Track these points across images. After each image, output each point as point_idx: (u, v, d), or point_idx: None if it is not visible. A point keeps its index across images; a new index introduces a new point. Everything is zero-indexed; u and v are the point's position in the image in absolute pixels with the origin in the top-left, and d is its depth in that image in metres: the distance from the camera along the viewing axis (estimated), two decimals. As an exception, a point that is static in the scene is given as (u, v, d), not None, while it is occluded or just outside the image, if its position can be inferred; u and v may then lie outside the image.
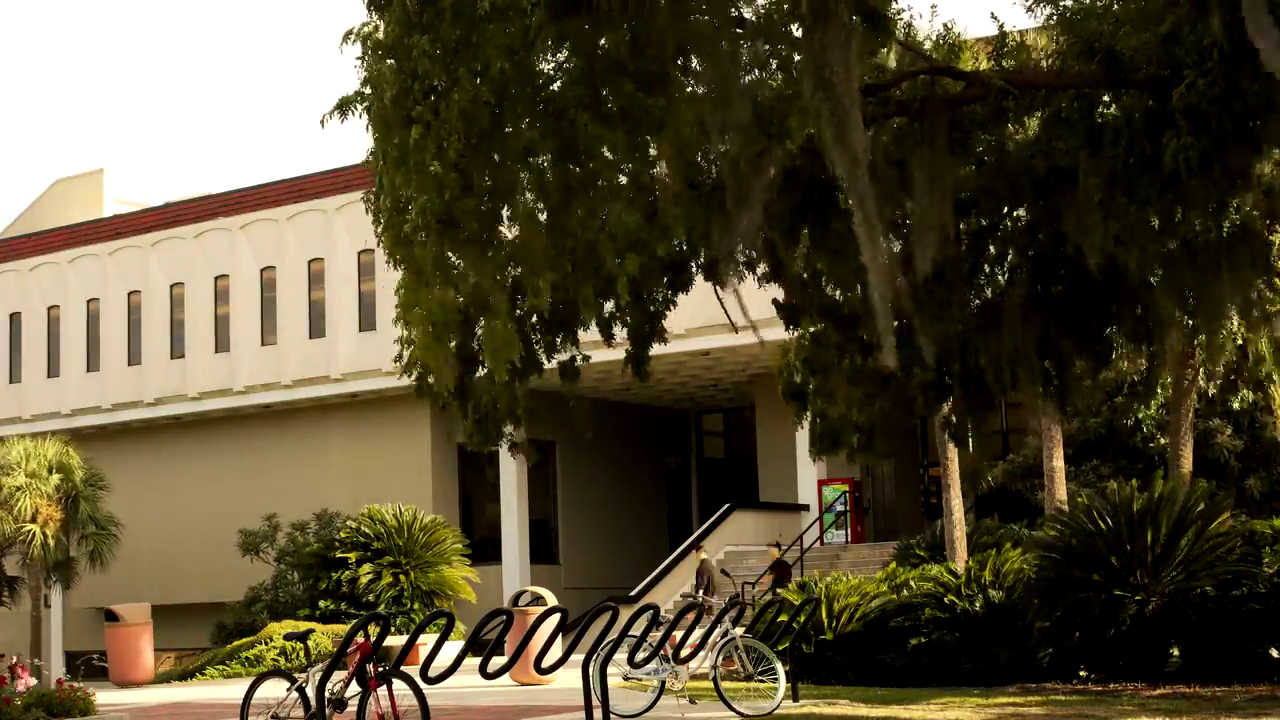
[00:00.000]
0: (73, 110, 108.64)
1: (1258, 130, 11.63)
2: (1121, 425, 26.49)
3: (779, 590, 23.75)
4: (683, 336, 31.39)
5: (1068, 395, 15.46)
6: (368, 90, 12.15)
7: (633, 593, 31.11)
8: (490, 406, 14.59)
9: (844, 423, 16.17)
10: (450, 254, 12.44)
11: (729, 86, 11.96)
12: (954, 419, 15.99)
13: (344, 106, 12.33)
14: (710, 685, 16.01)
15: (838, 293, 14.85)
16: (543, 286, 12.49)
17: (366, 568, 31.05)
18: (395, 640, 18.35)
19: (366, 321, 38.08)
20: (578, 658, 14.84)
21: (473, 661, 13.19)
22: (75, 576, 36.58)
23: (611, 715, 14.31)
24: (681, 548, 33.75)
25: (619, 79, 11.70)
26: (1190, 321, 14.99)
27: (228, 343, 40.68)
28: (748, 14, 12.35)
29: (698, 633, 15.92)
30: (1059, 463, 23.56)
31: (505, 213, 12.53)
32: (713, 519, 34.61)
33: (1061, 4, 12.88)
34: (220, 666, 27.66)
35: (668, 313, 15.16)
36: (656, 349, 15.33)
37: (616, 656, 14.85)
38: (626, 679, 16.01)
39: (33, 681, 18.81)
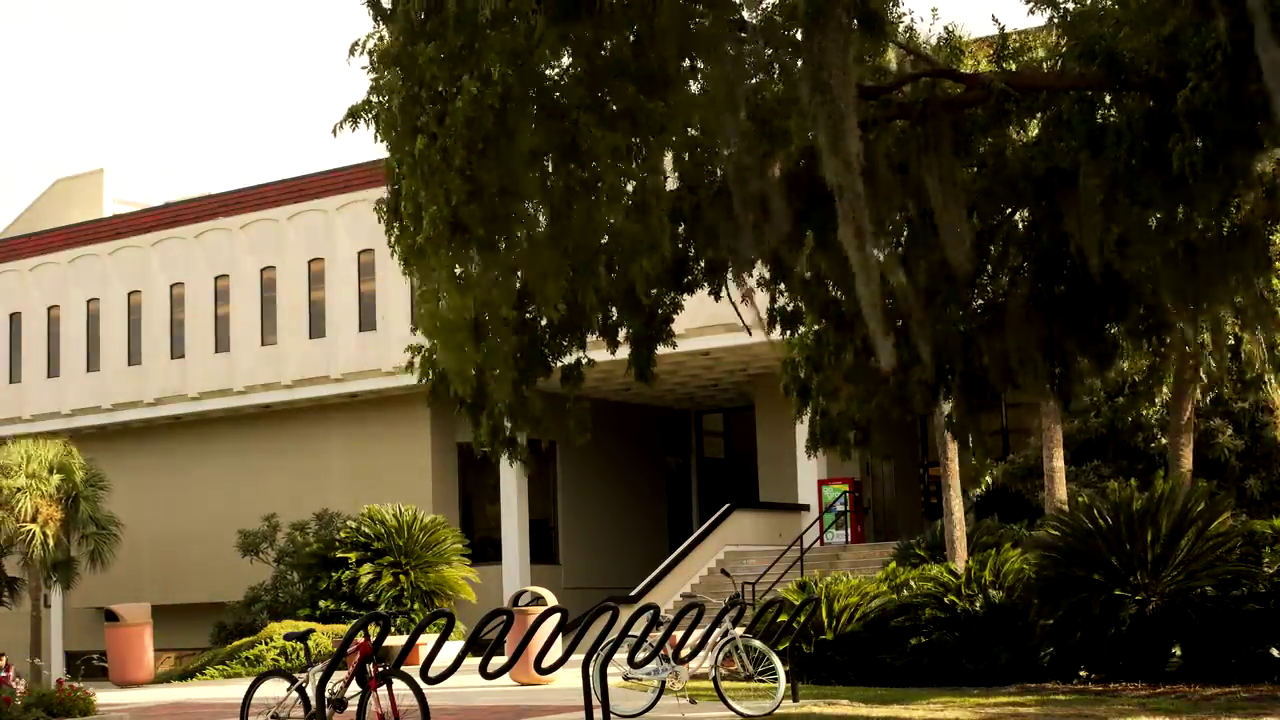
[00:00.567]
0: (73, 110, 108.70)
1: (1261, 131, 11.63)
2: (1122, 425, 26.49)
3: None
4: (683, 336, 31.31)
5: (1071, 394, 15.48)
6: (374, 99, 12.17)
7: (633, 593, 31.12)
8: (503, 414, 14.61)
9: (843, 419, 16.19)
10: (459, 262, 12.47)
11: (732, 90, 11.97)
12: (955, 418, 16.00)
13: (355, 115, 12.37)
14: (710, 685, 16.01)
15: (839, 293, 14.86)
16: (552, 294, 12.52)
17: (366, 568, 31.05)
18: (395, 640, 18.38)
19: (366, 321, 38.09)
20: (578, 658, 14.85)
21: (473, 661, 13.19)
22: (75, 576, 36.57)
23: (611, 715, 14.31)
24: (681, 548, 33.77)
25: (620, 81, 11.72)
26: (1191, 321, 15.01)
27: (228, 343, 40.68)
28: (749, 17, 12.35)
29: (698, 633, 15.92)
30: (1059, 463, 23.57)
31: (513, 216, 12.54)
32: (713, 519, 34.61)
33: (1062, 6, 12.88)
34: (220, 666, 27.65)
35: (675, 316, 15.18)
36: (664, 350, 15.36)
37: (616, 656, 14.85)
38: (626, 679, 16.01)
39: (19, 682, 18.79)
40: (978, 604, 19.40)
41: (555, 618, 14.16)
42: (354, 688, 12.56)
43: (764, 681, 16.03)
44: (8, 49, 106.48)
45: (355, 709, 12.43)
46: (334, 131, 12.43)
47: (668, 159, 13.54)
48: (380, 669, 12.31)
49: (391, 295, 37.33)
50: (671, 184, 13.60)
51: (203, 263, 41.30)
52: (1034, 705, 16.00)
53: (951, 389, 15.38)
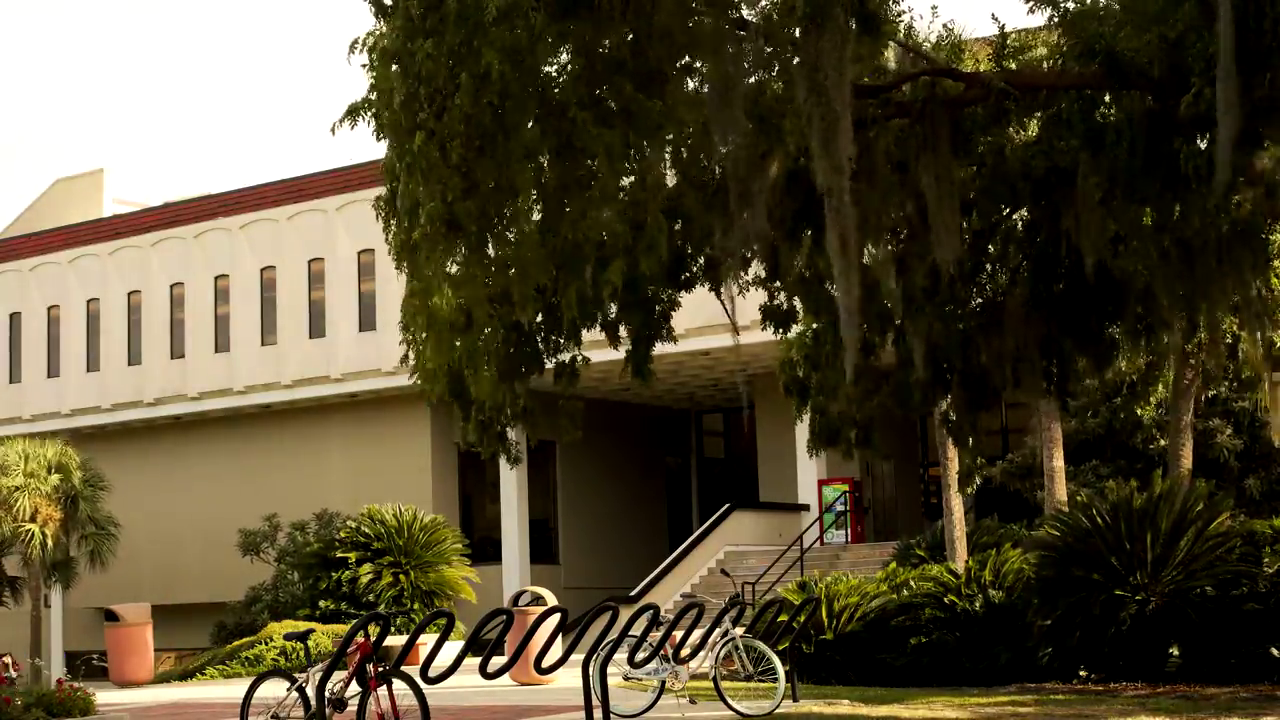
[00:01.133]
0: (73, 110, 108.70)
1: (1264, 131, 11.65)
2: (1121, 425, 26.49)
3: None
4: (683, 336, 31.30)
5: (1070, 393, 15.48)
6: (374, 97, 12.18)
7: (633, 593, 31.12)
8: (492, 411, 14.60)
9: (843, 418, 16.18)
10: (452, 259, 12.47)
11: (730, 88, 11.97)
12: (954, 417, 16.00)
13: (354, 113, 12.37)
14: (710, 685, 16.01)
15: (836, 292, 14.86)
16: (524, 295, 12.52)
17: (366, 568, 31.05)
18: (395, 640, 18.36)
19: (366, 321, 38.09)
20: (578, 658, 14.84)
21: (473, 661, 13.19)
22: (75, 576, 36.58)
23: (611, 715, 14.31)
24: (681, 548, 33.78)
25: (619, 79, 11.72)
26: (1189, 321, 15.01)
27: (228, 343, 40.68)
28: (749, 16, 12.36)
29: (698, 633, 15.92)
30: (1059, 462, 23.57)
31: (507, 213, 12.54)
32: (713, 519, 34.61)
33: (1062, 5, 12.89)
34: (220, 666, 27.65)
35: (672, 314, 15.17)
36: (656, 349, 15.34)
37: (616, 656, 14.85)
38: (626, 679, 16.01)
39: (18, 670, 18.81)
40: (977, 604, 19.40)
41: (555, 618, 14.16)
42: (354, 688, 12.56)
43: (764, 681, 16.03)
44: (8, 49, 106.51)
45: (355, 709, 12.43)
46: (333, 130, 12.45)
47: (667, 155, 13.54)
48: (380, 669, 12.31)
49: (391, 295, 37.30)
50: (669, 181, 13.60)
51: (202, 263, 41.31)
52: (1034, 705, 16.00)
53: (950, 388, 15.38)
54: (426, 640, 15.63)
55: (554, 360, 15.02)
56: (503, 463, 36.46)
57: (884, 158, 13.01)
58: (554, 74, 12.15)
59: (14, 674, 18.00)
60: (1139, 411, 25.92)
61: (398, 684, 12.25)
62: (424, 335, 13.06)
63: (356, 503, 33.98)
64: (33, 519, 34.56)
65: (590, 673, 14.25)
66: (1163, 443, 25.35)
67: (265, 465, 40.21)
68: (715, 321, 27.88)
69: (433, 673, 12.36)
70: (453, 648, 13.32)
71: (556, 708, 17.00)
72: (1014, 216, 14.58)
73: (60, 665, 40.35)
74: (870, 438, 16.29)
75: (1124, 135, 12.16)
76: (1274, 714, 14.44)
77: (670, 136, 12.51)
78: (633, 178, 12.38)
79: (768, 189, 12.49)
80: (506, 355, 14.25)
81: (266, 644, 27.62)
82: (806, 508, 34.39)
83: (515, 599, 22.54)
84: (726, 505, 34.98)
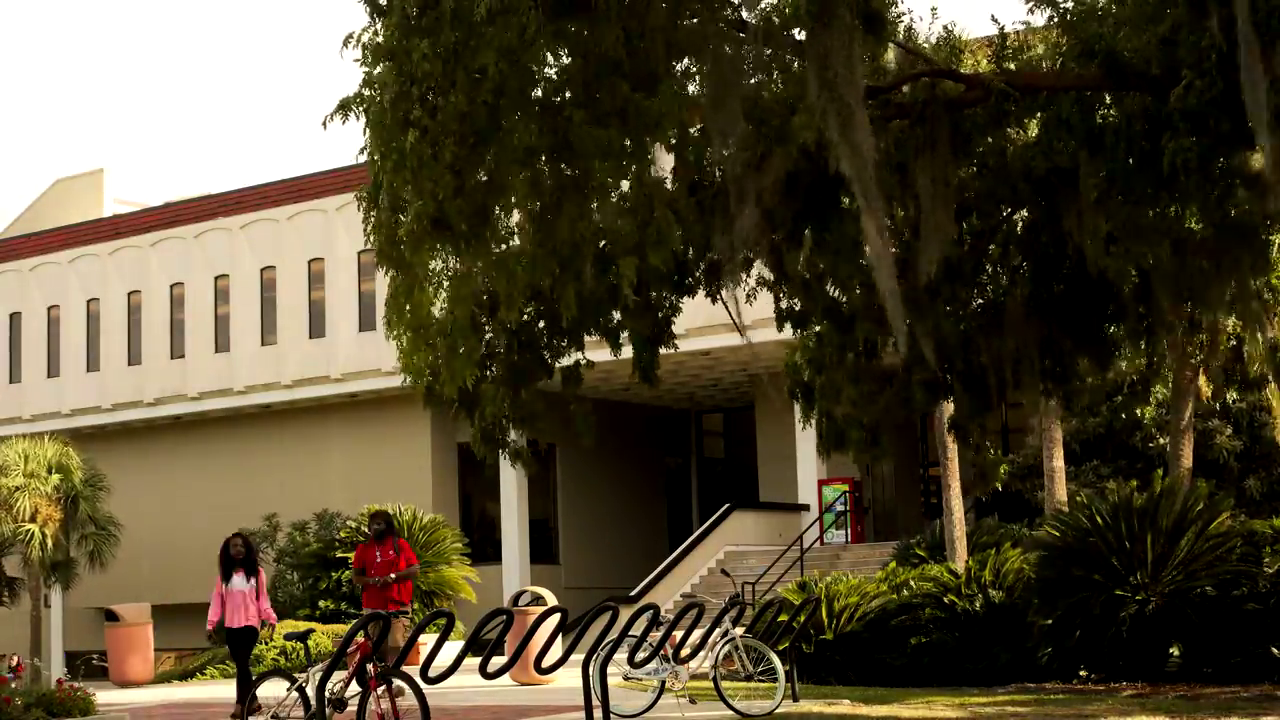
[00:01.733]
0: (73, 110, 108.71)
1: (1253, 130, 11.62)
2: (1121, 425, 26.49)
3: None
4: (684, 336, 31.30)
5: (1071, 394, 15.48)
6: (367, 92, 12.16)
7: (633, 593, 31.11)
8: (496, 417, 14.58)
9: (849, 421, 16.17)
10: (439, 257, 12.45)
11: (729, 89, 11.97)
12: (958, 419, 16.00)
13: (345, 108, 12.35)
14: (710, 685, 16.01)
15: (839, 293, 14.86)
16: (516, 296, 12.50)
17: (367, 568, 31.01)
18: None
19: (366, 321, 38.08)
20: (578, 658, 14.85)
21: (473, 661, 13.19)
22: (75, 576, 36.57)
23: (611, 715, 14.31)
24: (681, 548, 33.77)
25: (614, 79, 11.71)
26: (1189, 321, 15.01)
27: (228, 343, 40.68)
28: (748, 17, 12.35)
29: (698, 633, 15.92)
30: (1059, 462, 23.58)
31: (499, 213, 12.52)
32: (713, 519, 34.60)
33: (1061, 5, 12.89)
34: (220, 666, 27.66)
35: (675, 318, 15.16)
36: (664, 351, 15.34)
37: (616, 656, 14.85)
38: (626, 679, 16.01)
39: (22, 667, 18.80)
40: (977, 604, 19.41)
41: (555, 618, 14.16)
42: (354, 688, 12.57)
43: (764, 681, 16.03)
44: (8, 49, 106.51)
45: (355, 709, 12.44)
46: (324, 123, 12.41)
47: (668, 160, 13.53)
48: (380, 669, 12.32)
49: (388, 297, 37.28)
50: (668, 184, 13.59)
51: (203, 263, 41.30)
52: (1033, 705, 16.01)
53: (951, 389, 15.38)
54: (426, 640, 15.65)
55: (558, 365, 15.01)
56: (503, 463, 36.44)
57: (884, 159, 13.00)
58: (549, 73, 12.14)
59: (18, 676, 17.98)
60: (1139, 413, 25.91)
61: (398, 684, 12.26)
62: (408, 335, 13.03)
63: (356, 503, 33.97)
64: (33, 519, 34.55)
65: (590, 673, 14.25)
66: (1163, 442, 25.35)
67: (265, 465, 40.21)
68: (716, 321, 27.88)
69: (433, 673, 12.37)
70: (453, 648, 13.33)
71: (556, 708, 17.01)
72: (1014, 217, 14.58)
73: (60, 665, 40.34)
74: (878, 439, 16.28)
75: (1123, 136, 12.16)
76: (1274, 714, 14.45)
77: (668, 138, 12.50)
78: (629, 180, 12.36)
79: (768, 190, 12.47)
80: (510, 361, 14.24)
81: (266, 644, 27.61)
82: (806, 508, 34.38)
83: (515, 599, 22.54)
84: (726, 505, 34.97)
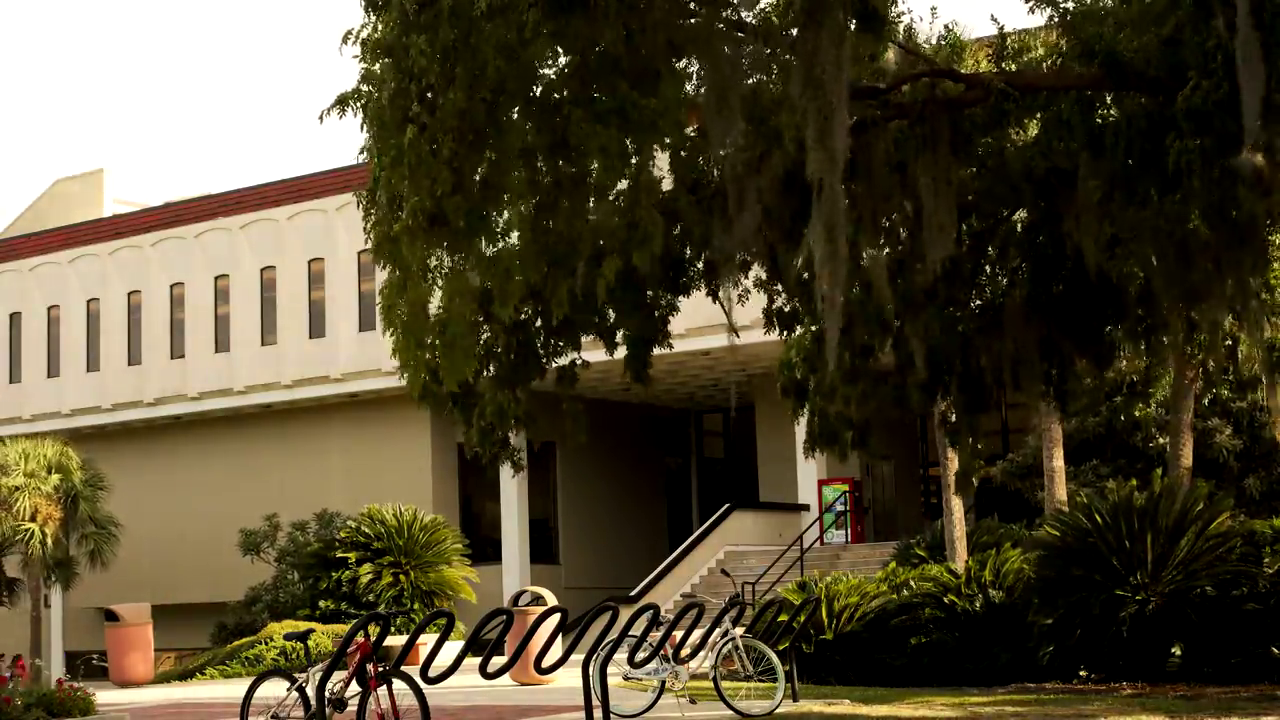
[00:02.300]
0: (73, 110, 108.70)
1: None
2: (1121, 425, 26.48)
3: None
4: (683, 336, 31.36)
5: (1069, 396, 15.47)
6: (365, 88, 12.15)
7: (633, 593, 31.13)
8: (494, 415, 14.58)
9: (840, 420, 16.16)
10: (436, 254, 12.44)
11: (727, 88, 11.97)
12: (953, 418, 15.99)
13: (343, 103, 12.34)
14: (710, 685, 16.01)
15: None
16: (510, 292, 12.50)
17: (366, 568, 31.06)
18: (395, 640, 18.37)
19: (366, 321, 38.08)
20: (578, 658, 14.84)
21: (473, 661, 13.19)
22: (75, 576, 36.57)
23: (611, 715, 14.31)
24: (681, 548, 33.78)
25: (613, 77, 11.71)
26: (1189, 322, 14.99)
27: (228, 343, 40.69)
28: (747, 16, 12.35)
29: (698, 633, 15.92)
30: (1059, 462, 23.56)
31: (496, 210, 12.52)
32: (713, 519, 34.61)
33: (1062, 5, 12.88)
34: (220, 666, 27.66)
35: (671, 317, 15.14)
36: (656, 349, 15.32)
37: (616, 656, 14.85)
38: (626, 679, 16.01)
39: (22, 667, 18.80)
40: (977, 604, 19.40)
41: (555, 618, 14.16)
42: (354, 688, 12.56)
43: (764, 681, 16.03)
44: (7, 49, 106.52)
45: (355, 709, 12.44)
46: (321, 118, 12.41)
47: (664, 158, 13.53)
48: (380, 669, 12.31)
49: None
50: (667, 184, 13.58)
51: (203, 263, 41.31)
52: (1033, 705, 16.01)
53: (949, 389, 15.37)
54: (426, 640, 15.65)
55: (554, 364, 15.01)
56: (509, 466, 36.39)
57: (883, 159, 13.00)
58: (548, 71, 12.13)
59: (19, 673, 17.97)
60: (1137, 413, 25.91)
61: (398, 684, 12.26)
62: (402, 332, 13.01)
63: (356, 503, 33.99)
64: (33, 519, 34.55)
65: (590, 673, 14.25)
66: (1162, 442, 25.34)
67: (265, 465, 40.21)
68: (715, 321, 27.88)
69: (433, 673, 12.36)
70: (453, 648, 13.32)
71: (556, 708, 17.01)
72: (1014, 218, 14.57)
73: (60, 665, 40.35)
74: (867, 439, 16.26)
75: (1123, 136, 12.15)
76: (1274, 714, 14.44)
77: (667, 138, 12.49)
78: (621, 175, 12.35)
79: (766, 190, 12.47)
80: (507, 360, 14.23)
81: (266, 644, 27.63)
82: (806, 508, 34.39)
83: (515, 599, 22.54)
84: (726, 505, 34.98)
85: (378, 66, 11.91)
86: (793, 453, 33.17)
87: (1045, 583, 18.91)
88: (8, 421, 43.45)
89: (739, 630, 16.72)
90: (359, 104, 12.24)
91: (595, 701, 14.21)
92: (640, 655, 15.21)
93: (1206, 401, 25.42)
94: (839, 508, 34.28)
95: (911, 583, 20.39)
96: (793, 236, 13.76)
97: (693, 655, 15.72)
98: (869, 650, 19.83)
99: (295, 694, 13.44)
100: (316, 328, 39.34)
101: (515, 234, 12.73)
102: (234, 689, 19.82)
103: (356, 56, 12.20)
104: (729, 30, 12.24)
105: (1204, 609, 17.82)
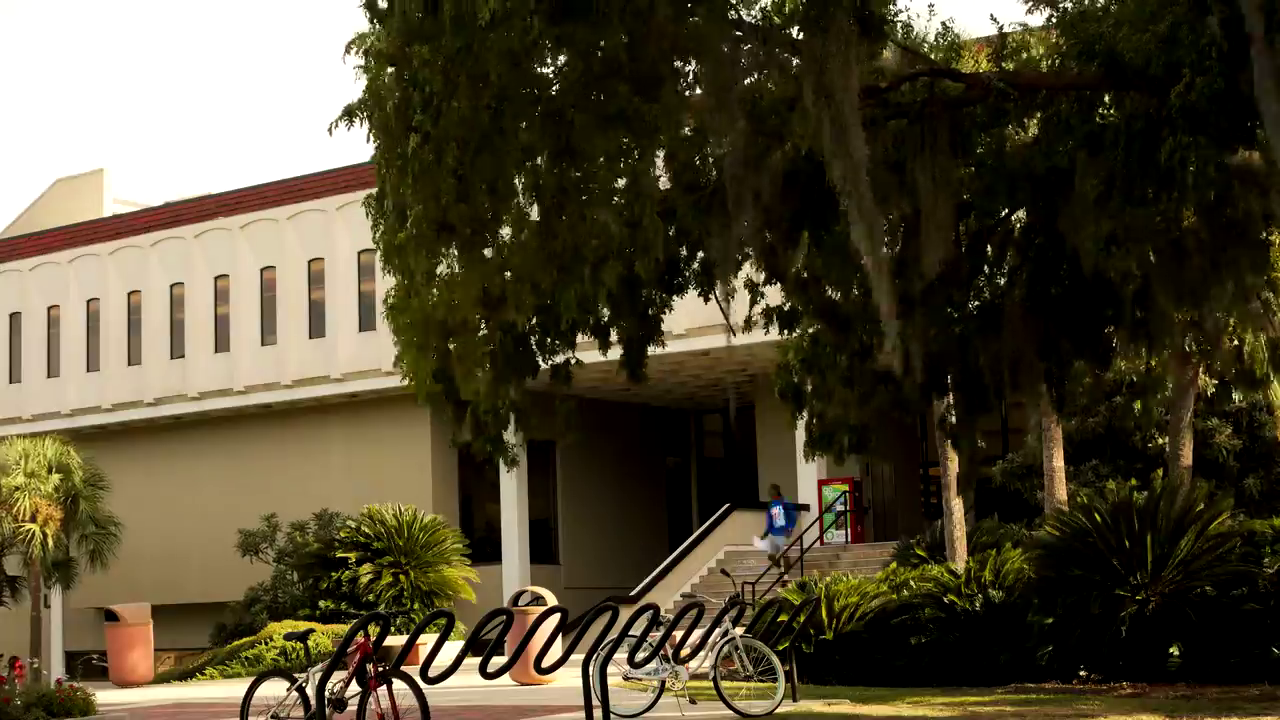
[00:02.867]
0: (73, 110, 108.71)
1: (1258, 131, 11.62)
2: (1121, 425, 26.48)
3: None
4: (683, 336, 31.40)
5: (1068, 396, 15.46)
6: (369, 98, 12.18)
7: (633, 593, 31.12)
8: (490, 414, 14.59)
9: (838, 422, 16.16)
10: (443, 261, 12.48)
11: (727, 89, 11.97)
12: (951, 419, 15.99)
13: (350, 115, 12.38)
14: (710, 685, 16.01)
15: (836, 294, 14.85)
16: (523, 297, 12.53)
17: (366, 568, 31.06)
18: (395, 640, 18.36)
19: (366, 321, 38.08)
20: (578, 658, 14.85)
21: (473, 661, 13.19)
22: (75, 576, 36.57)
23: (611, 715, 14.31)
24: (681, 548, 33.77)
25: (615, 82, 11.71)
26: (1189, 320, 14.99)
27: (228, 343, 40.68)
28: (747, 16, 12.35)
29: (698, 633, 15.92)
30: (1058, 462, 23.55)
31: (503, 216, 12.54)
32: (713, 519, 34.60)
33: (1061, 5, 12.88)
34: (220, 666, 27.67)
35: (664, 316, 15.14)
36: (656, 349, 15.34)
37: (616, 656, 14.85)
38: (626, 679, 16.01)
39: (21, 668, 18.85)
40: (977, 604, 19.40)
41: (555, 618, 14.16)
42: (354, 688, 12.56)
43: (764, 681, 16.03)
44: (8, 48, 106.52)
45: (355, 709, 12.44)
46: (329, 130, 12.47)
47: (661, 158, 13.53)
48: (380, 669, 12.31)
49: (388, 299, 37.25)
50: (665, 183, 13.59)
51: (203, 263, 41.31)
52: (1033, 704, 16.00)
53: (948, 390, 15.37)
54: (426, 640, 15.65)
55: (549, 363, 15.02)
56: (502, 462, 36.44)
57: (882, 159, 13.01)
58: (551, 77, 12.15)
59: (18, 674, 17.98)
60: (1138, 411, 25.88)
61: (398, 684, 12.26)
62: (409, 338, 13.05)
63: (356, 503, 33.99)
64: (33, 519, 34.55)
65: (590, 673, 14.25)
66: (1162, 442, 25.33)
67: (265, 465, 40.21)
68: (714, 321, 27.87)
69: (433, 673, 12.37)
70: (453, 648, 13.32)
71: (556, 708, 17.01)
72: (1012, 218, 14.57)
73: (60, 665, 40.35)
74: (865, 442, 16.25)
75: (1122, 136, 12.15)
76: (1274, 714, 14.44)
77: (666, 140, 12.50)
78: (625, 180, 12.37)
79: (765, 191, 12.47)
80: (502, 358, 14.24)
81: (266, 644, 27.64)
82: (806, 508, 34.37)
83: (515, 599, 22.54)
84: (726, 505, 34.97)
85: (383, 76, 11.94)
86: (793, 453, 33.15)
87: (1045, 583, 18.91)
88: (8, 421, 43.44)
89: (739, 630, 16.72)
90: (365, 114, 12.28)
91: (595, 701, 14.21)
92: (640, 655, 15.22)
93: (1210, 397, 25.38)
94: (839, 508, 34.28)
95: (911, 583, 20.39)
96: (791, 237, 13.77)
97: (693, 655, 15.72)
98: (869, 650, 19.83)
99: (295, 694, 13.45)
100: (316, 328, 39.34)
101: (521, 240, 12.75)
102: (234, 689, 19.82)
103: (360, 66, 12.23)
104: (728, 31, 12.24)
105: (1204, 609, 17.82)
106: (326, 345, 38.93)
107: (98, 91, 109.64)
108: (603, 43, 11.64)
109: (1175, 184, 11.76)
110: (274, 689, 13.73)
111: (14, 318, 44.99)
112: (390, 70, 11.81)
